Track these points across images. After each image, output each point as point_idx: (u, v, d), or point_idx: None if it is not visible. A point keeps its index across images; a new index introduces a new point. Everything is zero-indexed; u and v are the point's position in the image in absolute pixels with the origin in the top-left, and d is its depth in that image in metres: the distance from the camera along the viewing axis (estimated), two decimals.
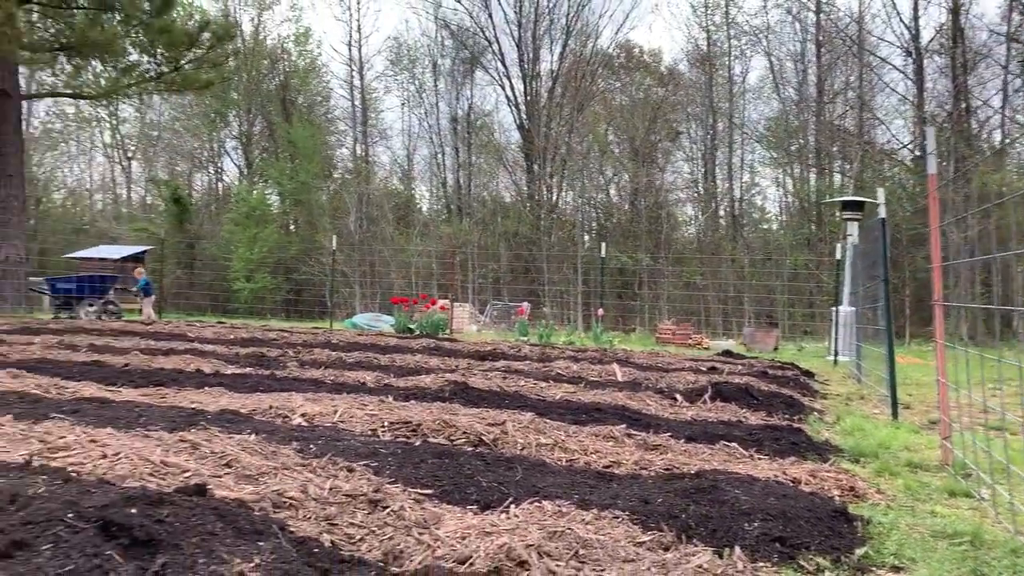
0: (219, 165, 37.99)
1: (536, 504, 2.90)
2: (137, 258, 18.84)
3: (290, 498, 2.71)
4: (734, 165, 29.13)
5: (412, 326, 12.99)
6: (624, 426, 4.49)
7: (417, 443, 3.91)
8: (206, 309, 24.38)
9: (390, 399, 5.05)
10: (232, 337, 10.31)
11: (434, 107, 31.95)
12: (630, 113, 28.65)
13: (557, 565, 2.37)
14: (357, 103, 32.91)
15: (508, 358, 8.50)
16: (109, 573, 1.88)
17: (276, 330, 12.29)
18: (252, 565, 2.09)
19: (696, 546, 2.56)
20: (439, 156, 32.30)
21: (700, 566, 2.38)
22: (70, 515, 2.13)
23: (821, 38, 26.79)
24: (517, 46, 29.97)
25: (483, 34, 30.62)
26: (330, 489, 2.88)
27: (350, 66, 32.74)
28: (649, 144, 28.12)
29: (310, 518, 2.63)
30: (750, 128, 29.04)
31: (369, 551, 2.46)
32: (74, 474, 2.65)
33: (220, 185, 38.31)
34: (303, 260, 28.35)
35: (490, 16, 29.95)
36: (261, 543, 2.27)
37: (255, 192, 31.50)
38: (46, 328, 11.20)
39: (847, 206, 13.16)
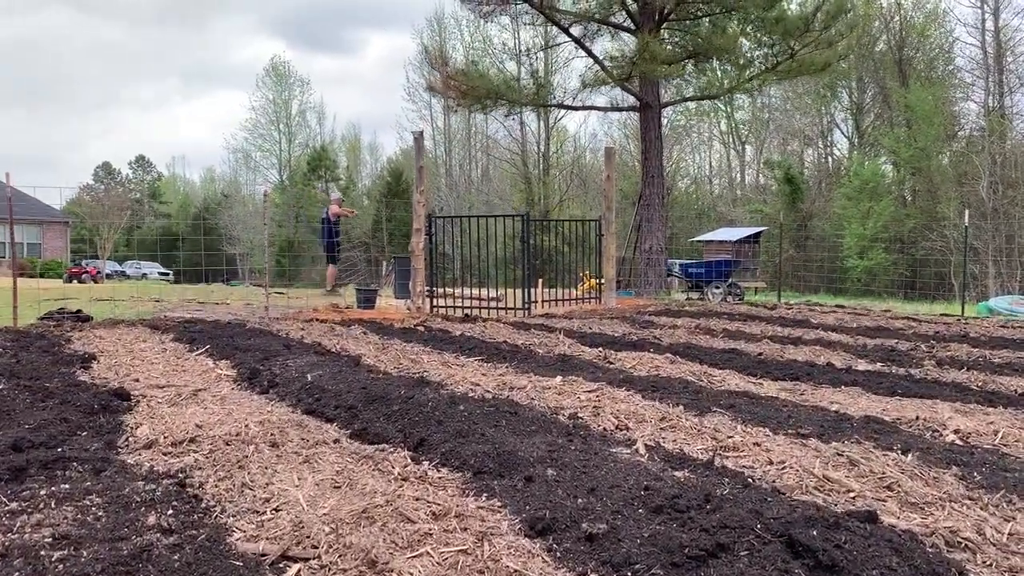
0: (829, 140, 37.60)
1: None
2: (754, 239, 19.52)
3: (964, 538, 2.56)
4: None
5: None
6: None
7: None
8: (818, 288, 24.49)
9: None
10: (855, 325, 10.12)
11: None
12: None
13: None
14: (989, 48, 28.61)
15: None
16: None
17: (901, 318, 11.59)
18: None
19: None
20: None
21: None
22: (758, 526, 2.40)
23: None
24: None
25: None
26: (1009, 534, 2.62)
27: (981, 7, 28.62)
28: None
29: (990, 565, 2.44)
30: None
31: None
32: (749, 479, 2.98)
33: (830, 160, 37.92)
34: (922, 234, 26.13)
35: None
36: None
37: (867, 164, 30.22)
38: (684, 311, 12.75)
39: None
